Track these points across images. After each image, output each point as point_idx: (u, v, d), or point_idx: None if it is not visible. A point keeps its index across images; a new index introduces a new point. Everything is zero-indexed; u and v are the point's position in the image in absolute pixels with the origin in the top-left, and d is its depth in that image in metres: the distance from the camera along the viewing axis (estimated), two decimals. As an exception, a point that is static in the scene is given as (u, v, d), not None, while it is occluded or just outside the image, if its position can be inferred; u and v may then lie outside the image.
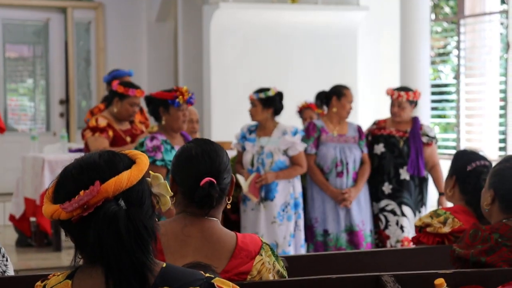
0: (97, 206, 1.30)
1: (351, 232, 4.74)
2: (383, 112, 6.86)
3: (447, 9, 11.23)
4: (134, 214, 1.30)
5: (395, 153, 4.86)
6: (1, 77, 8.52)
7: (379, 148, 4.89)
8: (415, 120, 4.93)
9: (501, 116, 7.56)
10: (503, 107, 7.34)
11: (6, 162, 8.28)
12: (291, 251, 4.57)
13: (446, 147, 8.53)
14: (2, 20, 8.50)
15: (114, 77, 5.59)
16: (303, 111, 5.42)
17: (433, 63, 9.31)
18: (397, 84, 6.12)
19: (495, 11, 7.72)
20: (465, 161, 2.82)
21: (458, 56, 7.73)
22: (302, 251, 4.62)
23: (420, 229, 2.76)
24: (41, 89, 8.86)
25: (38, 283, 1.42)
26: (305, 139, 4.76)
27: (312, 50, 7.52)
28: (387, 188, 4.85)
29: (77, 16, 8.73)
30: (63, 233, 6.25)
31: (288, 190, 4.62)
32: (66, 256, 5.82)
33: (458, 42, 7.68)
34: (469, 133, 7.83)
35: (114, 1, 8.71)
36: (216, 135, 6.94)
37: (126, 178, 1.32)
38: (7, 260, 2.69)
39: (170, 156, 3.82)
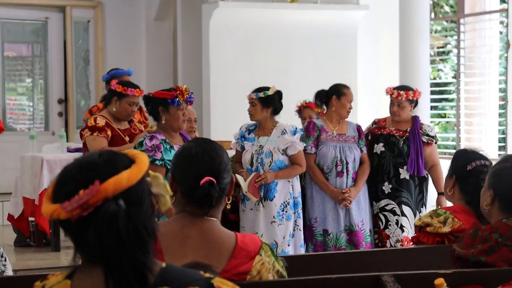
0: (96, 205, 1.30)
1: (351, 232, 4.73)
2: (383, 111, 6.86)
3: (447, 8, 11.23)
4: (133, 214, 1.30)
5: (395, 153, 4.85)
6: (0, 76, 8.52)
7: (379, 148, 4.88)
8: (415, 120, 4.92)
9: (501, 115, 7.56)
10: (503, 106, 7.34)
11: (4, 161, 8.28)
12: (290, 251, 4.56)
13: (446, 147, 8.53)
14: (0, 19, 8.49)
15: (113, 76, 5.58)
16: (302, 110, 5.41)
17: (432, 62, 9.31)
18: (396, 83, 6.11)
19: (495, 10, 7.72)
20: (465, 160, 2.81)
21: (458, 55, 7.73)
22: (302, 250, 4.62)
23: (420, 228, 2.75)
24: (39, 89, 8.85)
25: (37, 283, 1.41)
26: (305, 138, 4.75)
27: (312, 49, 7.51)
28: (386, 187, 4.84)
29: (76, 15, 8.72)
30: (62, 233, 6.28)
31: (288, 189, 4.61)
32: (65, 256, 5.81)
33: (458, 41, 7.68)
34: (468, 133, 7.82)
35: (113, 0, 8.70)
36: (216, 134, 6.94)
37: (125, 178, 1.32)
38: (5, 260, 2.68)
39: (169, 156, 3.81)
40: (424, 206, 4.90)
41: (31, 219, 6.17)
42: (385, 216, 4.85)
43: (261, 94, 4.59)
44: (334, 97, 4.80)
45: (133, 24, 8.71)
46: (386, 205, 4.85)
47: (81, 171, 1.34)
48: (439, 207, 4.40)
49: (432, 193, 4.99)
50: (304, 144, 4.69)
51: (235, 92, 7.03)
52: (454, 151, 7.17)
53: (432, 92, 7.78)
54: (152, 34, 8.72)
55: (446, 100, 9.48)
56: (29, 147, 6.48)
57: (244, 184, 4.50)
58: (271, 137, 4.61)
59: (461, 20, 7.69)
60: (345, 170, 4.74)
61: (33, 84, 8.87)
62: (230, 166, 2.02)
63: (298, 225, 4.64)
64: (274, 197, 4.57)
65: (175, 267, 1.38)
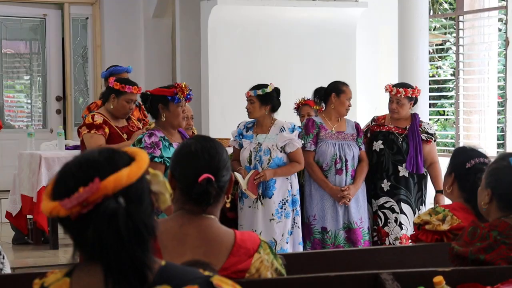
0: (96, 203, 1.29)
1: (349, 229, 4.73)
2: (382, 108, 6.85)
3: (445, 5, 11.22)
4: (133, 212, 1.30)
5: (393, 150, 4.85)
6: (-2, 73, 8.51)
7: (378, 145, 4.88)
8: (414, 117, 4.91)
9: (499, 113, 7.56)
10: (502, 104, 7.33)
11: (2, 159, 8.27)
12: (288, 249, 4.56)
13: (445, 144, 8.52)
14: (-2, 16, 8.48)
15: (112, 73, 5.57)
16: (300, 107, 5.40)
17: (431, 59, 9.30)
18: (395, 81, 6.10)
19: (494, 7, 7.72)
20: (464, 158, 2.81)
21: (457, 53, 7.72)
22: (300, 248, 4.61)
23: (419, 226, 2.75)
24: (37, 86, 8.83)
25: (36, 280, 1.41)
26: (304, 135, 4.74)
27: (310, 46, 7.51)
28: (385, 185, 4.84)
29: (74, 12, 8.71)
30: (60, 231, 6.27)
31: (286, 187, 4.61)
32: (63, 254, 5.81)
33: (457, 38, 7.67)
34: (467, 130, 7.82)
35: (111, -3, 8.69)
36: (214, 132, 6.93)
37: (125, 175, 1.32)
38: (3, 258, 2.68)
39: (168, 153, 3.81)
40: (423, 204, 4.90)
41: (29, 216, 6.16)
42: (384, 213, 4.85)
43: (259, 92, 4.58)
44: (333, 94, 4.79)
45: (132, 21, 8.70)
46: (385, 202, 4.85)
47: (81, 168, 1.34)
48: (437, 205, 4.40)
49: (431, 191, 4.99)
50: (303, 141, 4.68)
51: (234, 89, 7.02)
52: (453, 148, 7.18)
53: (431, 90, 7.78)
54: (151, 31, 8.71)
55: (445, 97, 9.47)
56: (27, 145, 6.47)
57: (243, 181, 4.50)
58: (269, 135, 4.61)
59: (460, 18, 7.68)
60: (344, 168, 4.74)
61: (31, 81, 8.86)
62: (229, 164, 2.02)
63: (296, 223, 4.64)
64: (273, 194, 4.57)
65: (174, 265, 1.38)
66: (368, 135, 4.96)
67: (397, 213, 4.82)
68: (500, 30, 8.21)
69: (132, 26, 8.71)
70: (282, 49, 7.43)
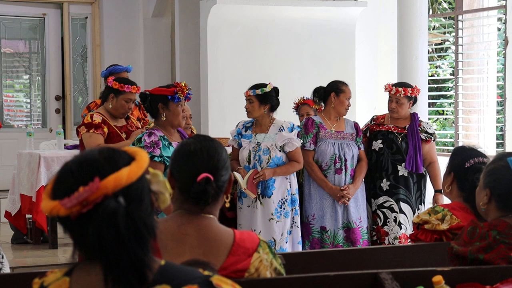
0: (96, 202, 1.29)
1: (349, 229, 4.73)
2: (381, 108, 6.85)
3: (445, 5, 11.22)
4: (133, 211, 1.30)
5: (393, 150, 4.85)
6: (-3, 73, 8.50)
7: (377, 144, 4.88)
8: (413, 117, 4.91)
9: (499, 112, 7.56)
10: (501, 103, 7.34)
11: (1, 158, 8.27)
12: (288, 248, 4.56)
13: (444, 143, 8.53)
14: (-2, 16, 8.47)
15: (112, 73, 5.57)
16: (300, 107, 5.40)
17: (430, 59, 9.30)
18: (394, 80, 6.10)
19: (493, 6, 7.72)
20: (463, 157, 2.81)
21: (456, 52, 7.72)
22: (299, 247, 4.61)
23: (418, 226, 2.75)
24: (37, 85, 8.83)
25: (36, 279, 1.41)
26: (303, 135, 4.74)
27: (310, 45, 7.51)
28: (384, 184, 4.84)
29: (73, 12, 8.70)
30: (59, 230, 6.25)
31: (285, 186, 4.61)
32: (62, 254, 5.81)
33: (456, 37, 7.68)
34: (467, 129, 7.83)
35: (111, -4, 8.69)
36: (213, 131, 6.93)
37: (125, 175, 1.32)
38: (3, 257, 2.68)
39: (168, 152, 3.81)
40: (422, 203, 4.90)
41: (28, 216, 6.16)
42: (383, 213, 4.85)
43: (259, 91, 4.58)
44: (332, 94, 4.79)
45: (131, 20, 8.70)
46: (385, 202, 4.85)
47: (81, 167, 1.34)
48: (436, 204, 4.40)
49: (430, 190, 5.00)
50: (301, 141, 4.68)
51: (233, 89, 7.02)
52: (452, 148, 7.18)
53: (430, 89, 7.78)
54: (150, 30, 8.71)
55: (444, 97, 9.48)
56: (26, 144, 6.46)
57: (242, 181, 4.49)
58: (268, 134, 4.61)
59: (459, 17, 7.68)
60: (343, 167, 4.74)
61: (31, 80, 8.85)
62: (229, 163, 2.02)
63: (295, 222, 4.64)
64: (272, 194, 4.57)
65: (174, 265, 1.38)
66: (368, 134, 4.96)
67: (397, 212, 4.82)
68: (499, 29, 8.21)
69: (132, 25, 8.70)
70: (281, 48, 7.43)
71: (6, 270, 2.66)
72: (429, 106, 7.31)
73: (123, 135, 4.64)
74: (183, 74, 8.06)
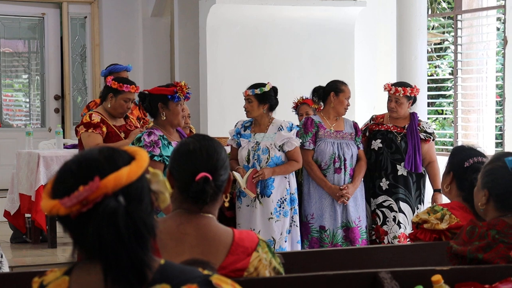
0: (96, 202, 1.29)
1: (347, 228, 4.74)
2: (380, 108, 6.85)
3: (444, 4, 11.22)
4: (133, 211, 1.30)
5: (392, 149, 4.85)
6: (-4, 72, 8.50)
7: (377, 144, 4.88)
8: (413, 116, 4.92)
9: (498, 112, 7.56)
10: (500, 103, 7.34)
11: (1, 158, 8.27)
12: (287, 247, 4.56)
13: (443, 143, 8.53)
14: (-3, 15, 8.47)
15: (111, 72, 5.57)
16: (299, 106, 5.40)
17: (430, 58, 9.30)
18: (394, 80, 6.10)
19: (492, 6, 7.72)
20: (463, 157, 2.81)
21: (455, 52, 7.73)
22: (298, 247, 4.62)
23: (417, 225, 2.75)
24: (36, 85, 8.83)
25: (35, 278, 1.41)
26: (303, 134, 4.74)
27: (309, 45, 7.51)
28: (384, 184, 4.84)
29: (73, 11, 8.70)
30: (58, 230, 6.24)
31: (284, 185, 4.61)
32: (61, 253, 5.81)
33: (455, 37, 7.68)
34: (466, 129, 7.83)
35: (110, -5, 8.69)
36: (212, 130, 6.93)
37: (125, 174, 1.31)
38: (2, 257, 2.68)
39: (167, 152, 3.81)
40: (421, 203, 4.91)
41: (27, 215, 6.16)
42: (382, 212, 4.85)
43: (257, 91, 4.58)
44: (332, 93, 4.79)
45: (130, 20, 8.69)
46: (384, 201, 4.85)
47: (81, 167, 1.34)
48: (435, 204, 4.41)
49: (429, 190, 5.00)
50: (300, 140, 4.68)
51: (232, 88, 7.02)
52: (451, 147, 7.18)
53: (429, 89, 7.78)
54: (149, 30, 8.71)
55: (443, 96, 9.48)
56: (25, 144, 6.46)
57: (242, 180, 4.50)
58: (267, 134, 4.61)
59: (459, 17, 7.68)
60: (342, 167, 4.74)
61: (30, 80, 8.85)
62: (228, 163, 2.02)
63: (294, 221, 4.64)
64: (271, 193, 4.57)
65: (173, 264, 1.38)
66: (367, 134, 4.97)
67: (396, 211, 4.83)
68: (498, 29, 8.21)
69: (131, 25, 8.70)
70: (280, 48, 7.43)
71: (5, 269, 2.67)
72: (428, 106, 7.31)
73: (122, 135, 4.64)
74: (183, 73, 8.06)
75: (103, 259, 1.28)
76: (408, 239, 4.38)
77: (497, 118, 7.58)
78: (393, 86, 4.89)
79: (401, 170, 4.83)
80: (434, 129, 5.82)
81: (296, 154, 4.62)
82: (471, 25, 7.79)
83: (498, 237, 2.18)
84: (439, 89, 9.28)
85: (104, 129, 4.57)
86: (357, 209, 4.77)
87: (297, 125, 4.79)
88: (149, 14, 8.72)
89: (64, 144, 6.46)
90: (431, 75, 9.80)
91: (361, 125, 5.04)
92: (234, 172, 4.49)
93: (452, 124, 8.09)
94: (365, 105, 7.85)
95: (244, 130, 4.66)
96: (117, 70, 5.67)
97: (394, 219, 4.83)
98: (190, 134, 4.64)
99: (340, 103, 4.78)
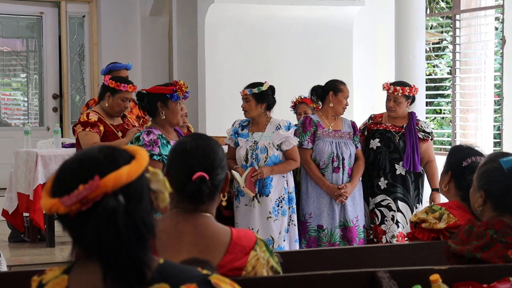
0: (96, 201, 1.29)
1: (345, 227, 4.74)
2: (378, 107, 6.85)
3: (442, 4, 11.23)
4: (133, 210, 1.30)
5: (390, 148, 4.86)
6: (-6, 71, 8.49)
7: (375, 143, 4.89)
8: (411, 116, 4.92)
9: (496, 111, 7.57)
10: (498, 103, 7.35)
11: (-1, 156, 8.25)
12: (285, 246, 4.56)
13: (442, 142, 8.54)
14: (-5, 14, 8.46)
15: (111, 70, 5.57)
16: (297, 105, 5.40)
17: (428, 58, 9.31)
18: (392, 79, 6.11)
19: (490, 6, 7.72)
20: (461, 156, 2.81)
21: (454, 51, 7.73)
22: (296, 246, 4.62)
23: (415, 224, 2.75)
24: (34, 84, 8.82)
25: (35, 277, 1.41)
26: (301, 133, 4.74)
27: (307, 44, 7.50)
28: (382, 183, 4.85)
29: (71, 10, 8.69)
30: (56, 229, 6.23)
31: (282, 184, 4.61)
32: (60, 252, 5.80)
33: (454, 37, 7.68)
34: (464, 129, 7.84)
35: (108, -5, 8.68)
36: (211, 130, 6.93)
37: (125, 173, 1.31)
38: (0, 256, 2.67)
39: (166, 151, 3.81)
40: (420, 202, 4.91)
41: (25, 214, 6.15)
42: (380, 211, 4.86)
43: (255, 90, 4.58)
44: (331, 93, 4.79)
45: (129, 19, 8.68)
46: (382, 200, 4.86)
47: (81, 165, 1.34)
48: (433, 203, 4.41)
49: (428, 189, 5.00)
50: (298, 139, 4.68)
51: (230, 87, 7.01)
52: (449, 147, 7.19)
53: (428, 88, 7.78)
54: (148, 29, 8.70)
55: (442, 96, 9.49)
56: (23, 143, 6.45)
57: (240, 179, 4.50)
58: (265, 133, 4.61)
59: (457, 16, 7.69)
60: (341, 166, 4.75)
61: (28, 79, 8.84)
62: (225, 162, 2.02)
63: (292, 220, 4.64)
64: (270, 192, 4.57)
65: (172, 263, 1.38)
66: (365, 133, 4.97)
67: (394, 211, 4.83)
68: (496, 29, 8.22)
69: (129, 24, 8.69)
70: (279, 47, 7.43)
71: (3, 268, 2.66)
72: (426, 105, 7.31)
73: (119, 134, 4.64)
74: (181, 73, 8.06)
75: (103, 258, 1.28)
76: (406, 239, 4.39)
77: (495, 117, 7.59)
78: (392, 86, 4.89)
79: (400, 170, 4.83)
80: (433, 128, 5.83)
81: (294, 153, 4.62)
82: (470, 24, 7.79)
83: (496, 236, 2.18)
84: (437, 88, 9.29)
85: (102, 128, 4.57)
86: (355, 208, 4.77)
87: (295, 124, 4.79)
88: (148, 13, 8.71)
89: (62, 143, 6.45)
90: (430, 74, 9.80)
91: (359, 124, 5.04)
92: (233, 171, 4.49)
93: (450, 124, 8.10)
94: (363, 104, 7.85)
95: (242, 130, 4.66)
96: (117, 68, 5.67)
97: (393, 218, 4.83)
98: (188, 133, 4.64)
99: (338, 102, 4.78)
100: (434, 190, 4.82)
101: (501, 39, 7.19)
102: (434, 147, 5.62)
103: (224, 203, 2.04)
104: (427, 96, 7.63)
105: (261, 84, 4.61)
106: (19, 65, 8.85)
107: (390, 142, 4.86)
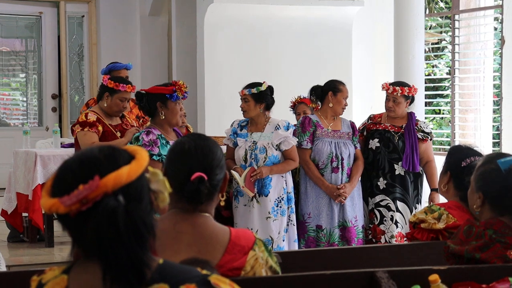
0: (96, 201, 1.29)
1: (344, 228, 4.74)
2: (377, 107, 6.85)
3: (441, 4, 11.23)
4: (133, 210, 1.30)
5: (390, 149, 4.86)
6: (-7, 71, 8.49)
7: (374, 143, 4.89)
8: (410, 116, 4.92)
9: (495, 111, 7.58)
10: (498, 103, 7.35)
11: (-2, 156, 8.24)
12: (285, 246, 4.56)
13: (441, 143, 8.54)
14: (-6, 14, 8.46)
15: (111, 70, 5.57)
16: (296, 105, 5.40)
17: (427, 58, 9.31)
18: (391, 79, 6.11)
19: (489, 6, 7.73)
20: (460, 156, 2.81)
21: (453, 51, 7.73)
22: (295, 246, 4.62)
23: (414, 225, 2.75)
24: (33, 84, 8.82)
25: (34, 277, 1.41)
26: (300, 133, 4.75)
27: (306, 44, 7.50)
28: (381, 183, 4.85)
29: (70, 10, 8.69)
30: (55, 229, 6.22)
31: (282, 184, 4.61)
32: (59, 252, 5.80)
33: (453, 37, 7.68)
34: (463, 129, 7.84)
35: (107, -6, 8.68)
36: (210, 130, 6.93)
37: (125, 173, 1.31)
38: (-1, 256, 2.67)
39: (165, 151, 3.81)
40: (419, 202, 4.91)
41: (24, 214, 6.15)
42: (379, 211, 4.86)
43: (254, 90, 4.58)
44: (330, 93, 4.79)
45: (128, 19, 8.68)
46: (381, 200, 4.86)
47: (81, 165, 1.34)
48: (432, 203, 4.41)
49: (427, 189, 5.00)
50: (297, 139, 4.69)
51: (230, 87, 7.01)
52: (448, 147, 7.18)
53: (427, 88, 7.78)
54: (147, 29, 8.70)
55: (441, 96, 9.49)
56: (22, 142, 6.45)
57: (240, 179, 4.50)
58: (264, 133, 4.61)
59: (456, 17, 7.69)
60: (340, 166, 4.75)
61: (27, 79, 8.84)
62: (224, 162, 2.02)
63: (291, 220, 4.65)
64: (269, 192, 4.57)
65: (172, 263, 1.38)
66: (365, 133, 4.97)
67: (393, 211, 4.83)
68: (495, 29, 8.22)
69: (128, 24, 8.69)
70: (278, 47, 7.43)
71: (3, 268, 2.66)
72: (425, 106, 7.31)
73: (118, 134, 4.64)
74: (180, 72, 8.06)
75: (102, 258, 1.28)
76: (405, 239, 4.38)
77: (494, 117, 7.59)
78: (391, 86, 4.89)
79: (399, 170, 4.84)
80: (432, 128, 5.83)
81: (293, 153, 4.62)
82: (469, 25, 7.79)
83: (495, 236, 2.19)
84: (436, 88, 9.28)
85: (100, 128, 4.57)
86: (354, 208, 4.77)
87: (294, 124, 4.79)
88: (147, 13, 8.71)
89: (61, 143, 6.45)
90: (429, 74, 9.80)
91: (358, 124, 5.04)
92: (232, 171, 4.49)
93: (450, 124, 8.10)
94: (363, 104, 7.85)
95: (241, 130, 4.66)
96: (117, 68, 5.67)
97: (392, 219, 4.83)
98: (187, 133, 4.64)
99: (338, 102, 4.78)
100: (433, 190, 4.82)
101: (500, 39, 7.19)
102: (433, 147, 5.62)
103: (222, 203, 2.03)
104: (426, 96, 7.64)
105: (259, 84, 4.61)
106: (18, 65, 8.84)
107: (389, 142, 4.86)
